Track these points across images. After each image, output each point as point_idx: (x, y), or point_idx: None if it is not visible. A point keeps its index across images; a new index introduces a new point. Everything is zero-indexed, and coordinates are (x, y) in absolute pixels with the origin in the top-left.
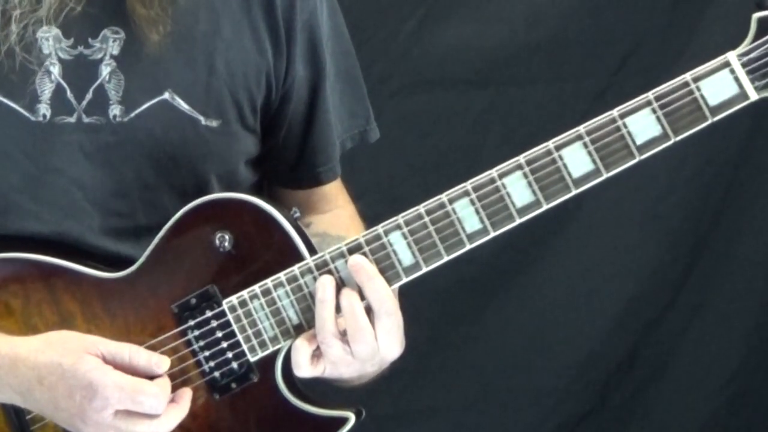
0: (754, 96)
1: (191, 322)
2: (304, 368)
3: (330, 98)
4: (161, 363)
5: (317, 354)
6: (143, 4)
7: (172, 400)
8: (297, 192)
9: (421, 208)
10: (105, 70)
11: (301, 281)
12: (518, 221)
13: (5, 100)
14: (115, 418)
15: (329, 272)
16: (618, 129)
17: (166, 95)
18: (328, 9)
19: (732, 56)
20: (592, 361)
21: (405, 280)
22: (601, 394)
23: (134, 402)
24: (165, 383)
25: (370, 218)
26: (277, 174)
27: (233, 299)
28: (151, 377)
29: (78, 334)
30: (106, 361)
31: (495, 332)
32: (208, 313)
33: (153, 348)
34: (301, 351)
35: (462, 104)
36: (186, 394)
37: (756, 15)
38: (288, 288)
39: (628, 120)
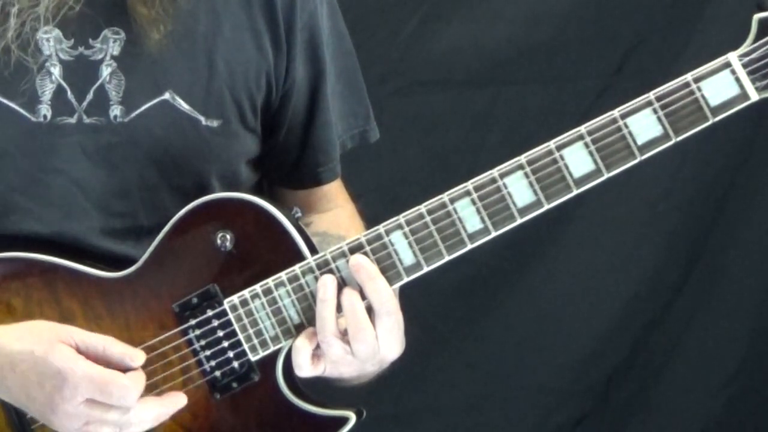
0: (754, 96)
1: (192, 322)
2: (305, 369)
3: (330, 98)
4: (135, 356)
5: (318, 353)
6: (144, 4)
7: (158, 395)
8: (297, 191)
9: (422, 208)
10: (105, 71)
11: (302, 281)
12: (519, 221)
13: (5, 101)
14: (85, 407)
15: (330, 272)
16: (619, 129)
17: (167, 95)
18: (328, 9)
19: (733, 57)
20: (592, 361)
21: (406, 279)
22: (601, 394)
23: (103, 392)
24: (137, 376)
25: (370, 218)
26: (277, 174)
27: (234, 298)
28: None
29: (54, 324)
30: (79, 351)
31: (495, 332)
32: (209, 313)
33: (154, 347)
34: (302, 351)
35: (462, 104)
36: (175, 395)
37: (757, 16)
38: (289, 287)
39: (629, 120)
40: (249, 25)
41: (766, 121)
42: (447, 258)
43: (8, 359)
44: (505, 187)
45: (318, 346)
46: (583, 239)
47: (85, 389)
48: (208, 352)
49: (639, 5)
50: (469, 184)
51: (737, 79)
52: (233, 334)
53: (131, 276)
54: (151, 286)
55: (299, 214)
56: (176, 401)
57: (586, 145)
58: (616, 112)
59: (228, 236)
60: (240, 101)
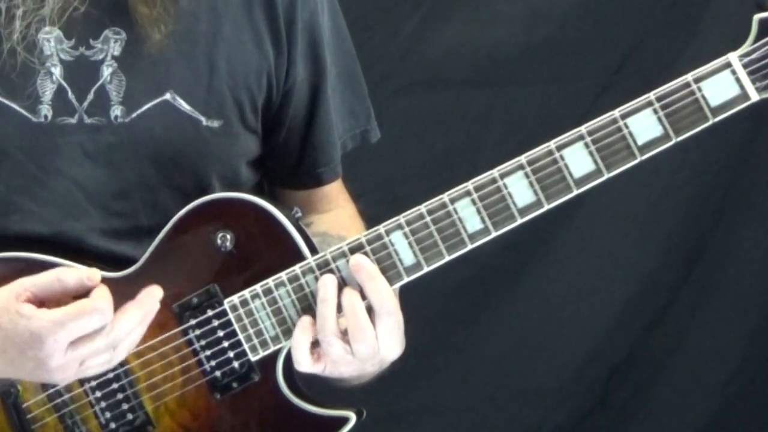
0: (755, 97)
1: (192, 322)
2: (304, 364)
3: (331, 98)
4: (92, 275)
5: (317, 352)
6: (145, 4)
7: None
8: (298, 192)
9: (423, 208)
10: (106, 71)
11: (303, 281)
12: (519, 221)
13: (6, 101)
14: (71, 351)
15: (330, 272)
16: (619, 129)
17: (168, 96)
18: (329, 9)
19: (733, 57)
20: (592, 361)
21: (406, 279)
22: (601, 394)
23: (80, 327)
24: (100, 292)
25: (370, 218)
26: (278, 174)
27: (234, 298)
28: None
29: (6, 288)
30: (37, 297)
31: (495, 332)
32: (210, 313)
33: (154, 347)
34: (301, 347)
35: (462, 104)
36: (147, 289)
37: (757, 16)
38: (289, 287)
39: (629, 120)
40: (250, 25)
41: (766, 121)
42: (447, 258)
43: None
44: (506, 187)
45: (318, 344)
46: (583, 239)
47: (63, 335)
48: (208, 352)
49: (639, 5)
50: (470, 184)
51: (738, 80)
52: (233, 334)
53: (131, 276)
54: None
55: (299, 214)
56: (151, 294)
57: (587, 146)
58: (616, 113)
59: (228, 236)
60: (241, 101)
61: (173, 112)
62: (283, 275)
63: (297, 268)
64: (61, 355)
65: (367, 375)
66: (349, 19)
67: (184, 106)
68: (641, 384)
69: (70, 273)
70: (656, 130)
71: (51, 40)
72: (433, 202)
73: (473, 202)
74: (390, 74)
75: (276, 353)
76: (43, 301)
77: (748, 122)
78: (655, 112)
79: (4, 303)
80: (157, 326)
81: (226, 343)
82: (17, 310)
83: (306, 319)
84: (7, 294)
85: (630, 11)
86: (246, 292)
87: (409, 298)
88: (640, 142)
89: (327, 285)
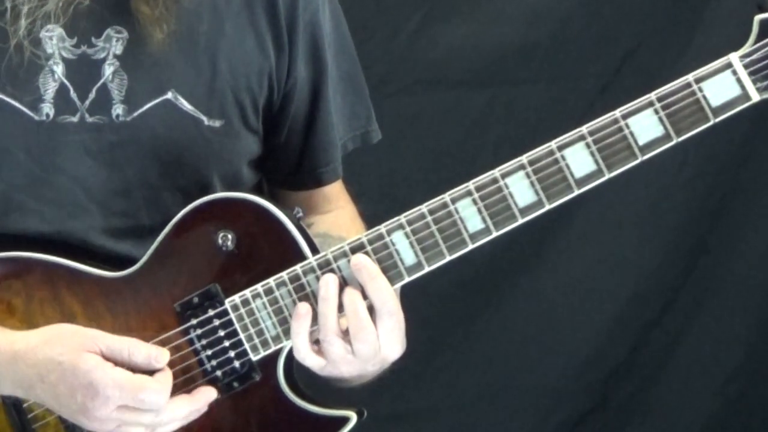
0: (756, 97)
1: (193, 321)
2: (303, 350)
3: (332, 99)
4: (160, 357)
5: (318, 350)
6: (147, 3)
7: (188, 393)
8: (298, 193)
9: (424, 208)
10: (108, 70)
11: (304, 280)
12: (520, 221)
13: (8, 99)
14: (117, 413)
15: (332, 271)
16: (620, 129)
17: (169, 95)
18: (330, 10)
19: (734, 57)
20: (592, 361)
21: (407, 279)
22: (601, 394)
23: (135, 400)
24: (165, 377)
25: (370, 218)
26: (278, 175)
27: (236, 298)
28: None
29: (77, 329)
30: (105, 357)
31: (495, 332)
32: (211, 312)
33: None
34: (299, 334)
35: (462, 104)
36: (203, 390)
37: (758, 17)
38: (290, 287)
39: (630, 120)
40: (251, 25)
41: (767, 121)
42: (448, 258)
43: (35, 370)
44: (507, 187)
45: (318, 341)
46: (583, 239)
47: (118, 398)
48: (209, 352)
49: (639, 5)
50: (471, 184)
51: (738, 80)
52: (234, 333)
53: (132, 275)
54: (152, 285)
55: (300, 214)
56: (206, 396)
57: (588, 146)
58: (617, 113)
59: (229, 236)
60: (242, 101)
61: (175, 112)
62: (284, 275)
63: (298, 268)
64: (107, 412)
65: (368, 375)
66: (349, 19)
67: (186, 105)
68: (641, 384)
69: (142, 350)
70: (657, 131)
71: (53, 39)
72: (434, 201)
73: (474, 202)
74: (390, 74)
75: (277, 353)
76: (107, 358)
77: (749, 122)
78: (656, 112)
79: (71, 344)
80: (158, 326)
81: (227, 343)
82: (83, 356)
83: (303, 306)
84: (78, 338)
85: (630, 11)
86: (247, 292)
87: (409, 298)
88: (641, 143)
89: (328, 284)
